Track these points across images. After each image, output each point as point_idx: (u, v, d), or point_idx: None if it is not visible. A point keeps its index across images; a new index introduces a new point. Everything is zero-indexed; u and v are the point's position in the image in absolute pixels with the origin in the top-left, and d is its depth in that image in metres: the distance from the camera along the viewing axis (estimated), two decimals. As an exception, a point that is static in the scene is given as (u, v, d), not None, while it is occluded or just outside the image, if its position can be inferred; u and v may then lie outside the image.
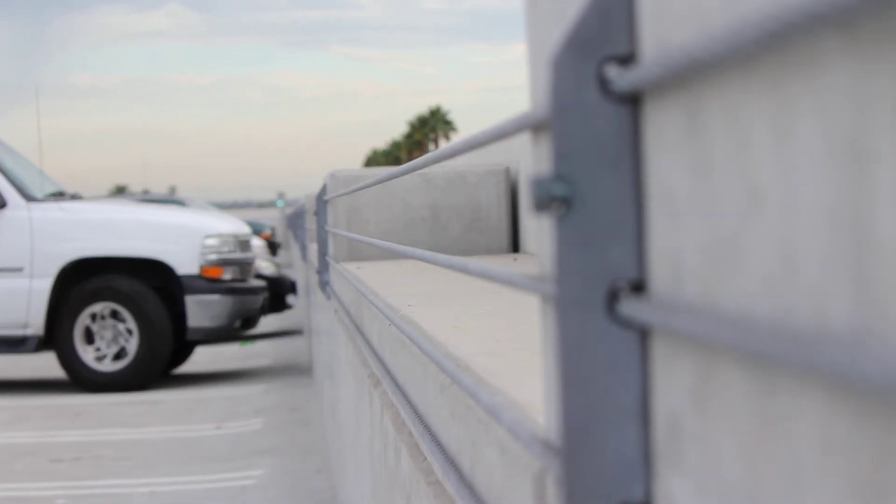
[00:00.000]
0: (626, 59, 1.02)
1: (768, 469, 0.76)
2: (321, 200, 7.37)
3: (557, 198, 1.03)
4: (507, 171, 7.32)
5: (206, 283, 10.42)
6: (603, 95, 1.03)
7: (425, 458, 2.41)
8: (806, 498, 0.71)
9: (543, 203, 1.03)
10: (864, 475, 0.64)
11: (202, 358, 12.24)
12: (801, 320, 0.71)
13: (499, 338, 2.77)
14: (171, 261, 10.37)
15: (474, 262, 1.64)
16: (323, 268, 7.21)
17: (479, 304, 3.80)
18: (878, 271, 0.63)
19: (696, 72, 0.86)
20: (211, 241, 10.50)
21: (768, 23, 0.70)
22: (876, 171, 0.63)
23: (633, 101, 1.02)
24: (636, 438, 1.01)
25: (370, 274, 5.73)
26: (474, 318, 3.38)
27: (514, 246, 7.31)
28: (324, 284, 7.13)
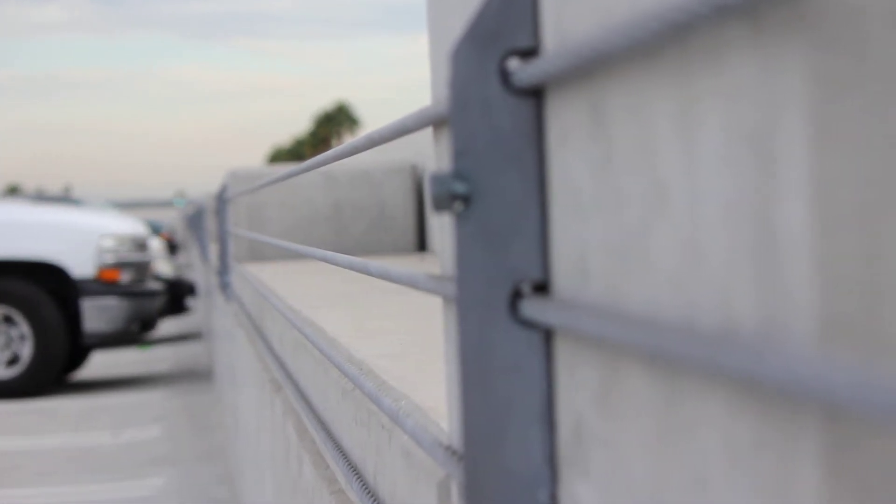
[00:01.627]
0: (529, 52, 1.01)
1: (674, 474, 0.76)
2: (221, 199, 7.31)
3: (457, 195, 1.02)
4: (414, 168, 7.31)
5: (103, 285, 10.29)
6: (505, 89, 1.02)
7: (328, 466, 2.40)
8: (712, 503, 0.71)
9: (443, 201, 1.02)
10: (769, 480, 0.64)
11: (99, 363, 12.10)
12: (706, 319, 0.71)
13: (405, 340, 2.76)
14: (65, 263, 10.23)
15: (376, 262, 1.63)
16: (223, 269, 7.16)
17: (386, 305, 3.79)
18: (781, 268, 0.62)
19: (598, 65, 0.86)
20: (107, 243, 10.38)
21: (671, 14, 0.69)
22: (779, 165, 0.62)
23: (535, 94, 1.02)
24: (541, 443, 1.01)
25: (272, 275, 5.70)
26: (380, 319, 3.37)
27: (421, 244, 7.31)
28: (224, 286, 7.07)
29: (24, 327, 10.24)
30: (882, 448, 0.60)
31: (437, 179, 1.03)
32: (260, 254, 7.18)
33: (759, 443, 0.65)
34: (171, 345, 14.19)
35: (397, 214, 7.23)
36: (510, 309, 1.01)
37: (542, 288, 1.01)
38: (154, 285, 11.17)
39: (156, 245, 13.40)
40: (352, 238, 7.21)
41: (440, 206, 1.03)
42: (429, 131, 1.36)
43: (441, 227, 1.27)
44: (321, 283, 5.12)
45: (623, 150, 0.84)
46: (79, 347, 10.73)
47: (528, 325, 1.01)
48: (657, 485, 0.79)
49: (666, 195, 0.77)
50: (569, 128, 0.95)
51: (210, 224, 11.52)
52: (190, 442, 8.12)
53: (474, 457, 1.02)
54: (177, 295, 14.65)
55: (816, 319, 0.59)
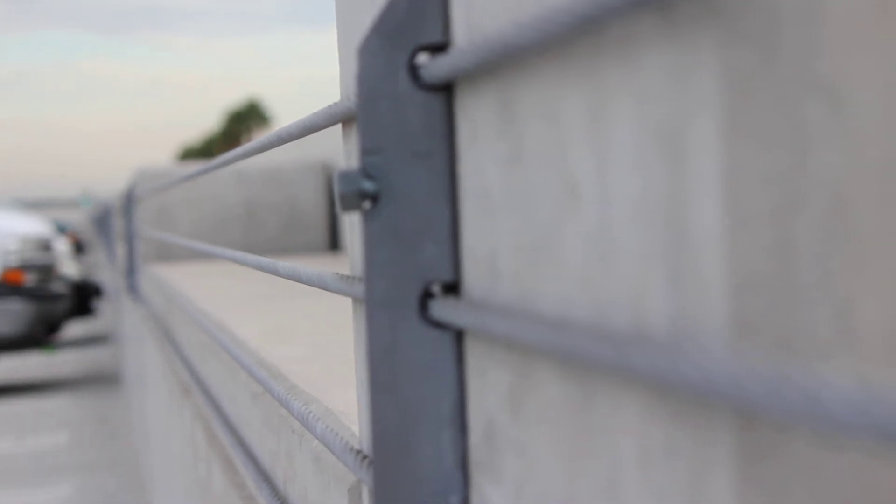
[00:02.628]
0: (439, 48, 1.00)
1: (586, 478, 0.76)
2: (129, 199, 7.24)
3: (365, 194, 1.01)
4: (325, 166, 7.29)
5: (6, 288, 10.16)
6: (414, 85, 1.01)
7: (238, 472, 2.38)
8: (624, 507, 0.71)
9: (350, 200, 1.01)
10: (681, 486, 0.64)
11: (2, 368, 11.94)
12: (618, 319, 0.71)
13: (318, 342, 2.75)
14: (-34, 265, 10.09)
15: (285, 263, 1.61)
16: (131, 270, 7.09)
17: (300, 307, 3.77)
18: (693, 267, 0.62)
19: (509, 60, 0.85)
20: (10, 244, 10.25)
21: (583, 8, 0.69)
22: (691, 162, 0.62)
23: (446, 90, 1.01)
24: (452, 447, 1.00)
25: (182, 276, 5.65)
26: (293, 321, 3.35)
27: (334, 244, 7.29)
28: (132, 288, 7.01)
29: (-76, 332, 10.09)
30: (795, 452, 0.60)
31: (345, 177, 1.02)
32: (169, 254, 7.12)
33: (672, 447, 0.65)
34: (77, 348, 14.04)
35: (310, 213, 7.21)
36: (420, 310, 1.01)
37: (452, 288, 1.01)
38: (59, 287, 11.04)
39: (61, 246, 13.26)
40: (264, 237, 7.17)
41: (348, 205, 1.02)
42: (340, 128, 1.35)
43: (351, 226, 1.26)
44: (233, 284, 5.08)
45: (533, 147, 0.83)
46: (-19, 352, 10.58)
47: (438, 326, 1.00)
48: (569, 490, 0.79)
49: (577, 193, 0.76)
50: (479, 124, 0.94)
51: (117, 224, 11.41)
52: (98, 449, 8.03)
53: (384, 461, 1.01)
54: (83, 297, 14.50)
55: (729, 319, 0.59)
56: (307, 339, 2.81)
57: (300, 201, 7.21)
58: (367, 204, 1.02)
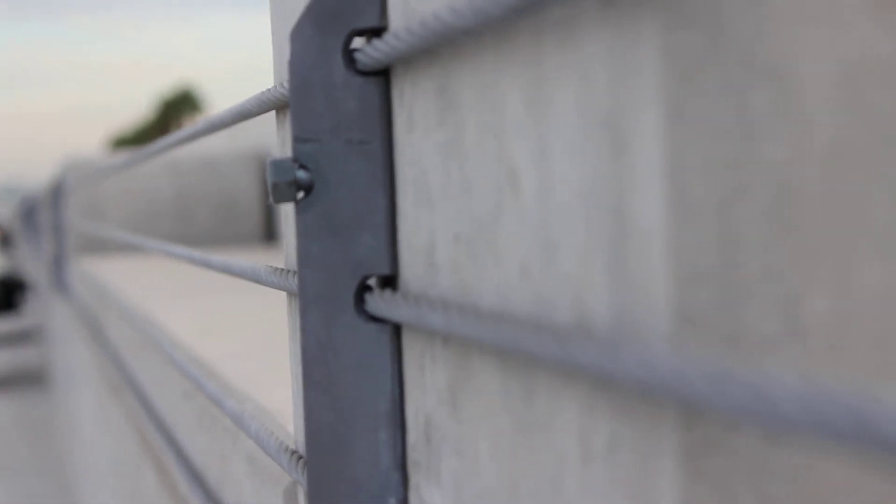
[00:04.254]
0: (375, 32, 1.00)
1: (528, 476, 0.76)
2: (57, 190, 7.18)
3: (298, 183, 1.01)
4: (262, 156, 7.26)
5: (-72, 283, 10.07)
6: (349, 71, 1.01)
7: (170, 473, 2.36)
8: (566, 507, 0.71)
9: (282, 190, 1.00)
10: (626, 481, 0.64)
11: (-76, 367, 11.82)
12: (559, 313, 0.71)
13: (253, 338, 2.74)
14: None
15: (218, 256, 1.60)
16: (59, 264, 7.04)
17: (236, 302, 3.75)
18: (635, 260, 0.62)
19: (447, 44, 0.85)
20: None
21: (520, -10, 0.69)
22: (634, 150, 0.62)
23: (382, 76, 1.01)
24: (389, 447, 1.00)
25: (112, 270, 5.61)
26: (228, 316, 3.34)
27: (270, 235, 7.27)
28: (60, 283, 6.95)
29: None
30: (740, 448, 0.60)
31: (277, 167, 1.02)
32: (99, 247, 7.07)
33: (615, 443, 0.65)
34: (2, 346, 13.92)
35: (245, 204, 7.18)
36: (356, 304, 1.00)
37: (390, 281, 1.01)
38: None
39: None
40: (198, 229, 7.14)
41: (280, 195, 1.01)
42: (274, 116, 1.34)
43: (285, 218, 1.25)
44: (166, 278, 5.05)
45: (473, 134, 0.83)
46: None
47: (375, 320, 1.00)
48: (511, 489, 0.79)
49: (517, 183, 0.76)
50: (417, 111, 0.94)
51: (45, 216, 11.32)
52: (24, 452, 7.96)
53: (319, 462, 1.01)
54: (8, 292, 14.38)
55: (672, 313, 0.60)
56: (242, 335, 2.79)
57: (235, 192, 7.18)
58: (300, 194, 1.01)
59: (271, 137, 7.07)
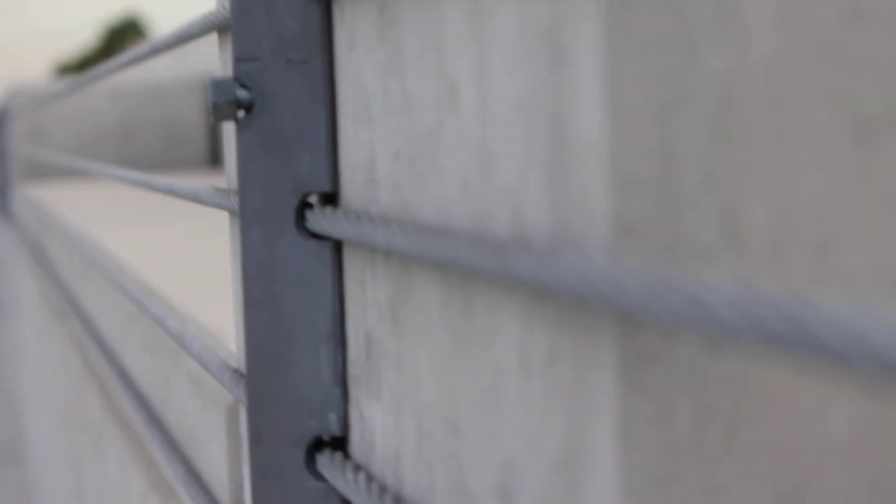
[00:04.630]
0: (316, -51, 0.98)
1: (468, 389, 0.75)
2: (1, 117, 7.10)
3: (239, 102, 0.99)
4: (206, 80, 7.20)
5: None
6: (289, -12, 0.99)
7: (114, 396, 2.35)
8: (506, 419, 0.70)
9: (223, 109, 0.99)
10: (565, 392, 0.64)
11: None
12: (499, 227, 0.70)
13: (199, 261, 2.72)
14: None
15: (160, 178, 1.59)
16: (3, 191, 6.97)
17: (183, 226, 3.73)
18: (575, 172, 0.62)
19: (386, -41, 0.84)
20: None
21: None
22: (573, 63, 0.61)
23: (323, -6, 0.99)
24: (331, 362, 0.99)
25: (57, 196, 5.57)
26: (175, 239, 3.32)
27: (216, 159, 7.23)
28: (4, 209, 6.89)
29: None
30: (679, 357, 0.59)
31: (217, 86, 1.00)
32: (43, 173, 7.01)
33: (554, 355, 0.64)
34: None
35: (190, 128, 7.13)
36: (297, 221, 0.99)
37: (331, 199, 1.00)
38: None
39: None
40: (142, 153, 7.09)
41: (221, 114, 1.00)
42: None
43: (227, 138, 1.24)
44: (111, 203, 5.01)
45: (413, 51, 0.82)
46: None
47: (316, 237, 0.99)
48: (450, 403, 0.78)
49: (456, 98, 0.75)
50: (357, 29, 0.93)
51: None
52: (-30, 376, 7.92)
53: (260, 380, 1.00)
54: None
55: (611, 223, 0.59)
56: (188, 259, 2.78)
57: (180, 116, 7.12)
58: (240, 113, 1.00)
59: (217, 62, 7.01)
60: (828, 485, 0.62)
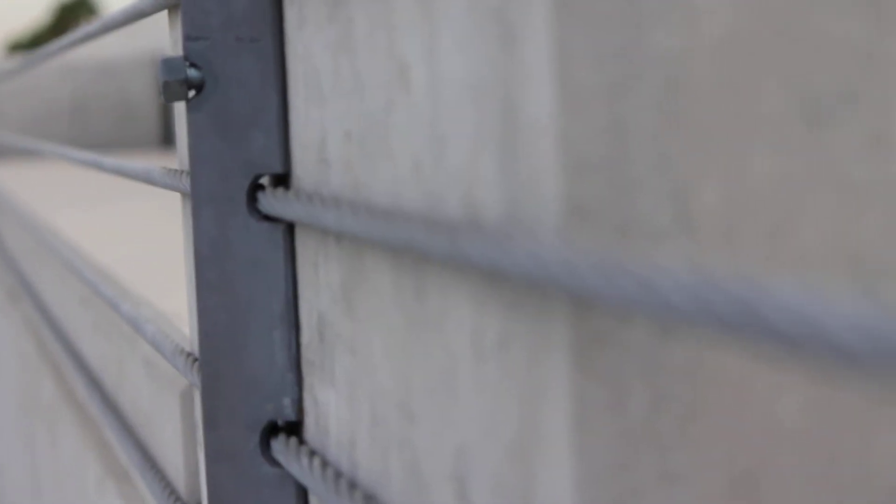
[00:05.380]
0: (265, -75, 0.98)
1: (421, 373, 0.75)
2: (-50, 95, 7.04)
3: (189, 82, 0.99)
4: (158, 58, 7.16)
5: None
6: (239, -34, 0.98)
7: (68, 380, 2.34)
8: (460, 404, 0.70)
9: (173, 89, 0.98)
10: (518, 376, 0.64)
11: None
12: (451, 208, 0.70)
13: (155, 243, 2.71)
14: None
15: (110, 158, 1.57)
16: (-45, 171, 6.92)
17: (136, 207, 3.71)
18: (527, 153, 0.61)
19: (336, -64, 0.83)
20: None
21: None
22: (522, 43, 0.61)
23: (273, -28, 0.98)
24: (284, 346, 0.99)
25: (7, 176, 5.53)
26: (130, 221, 3.30)
27: (168, 138, 7.21)
28: (-44, 190, 6.84)
29: None
30: (632, 341, 0.59)
31: (168, 65, 0.99)
32: (-5, 154, 6.96)
33: (506, 339, 0.64)
34: None
35: (142, 107, 7.09)
36: (249, 203, 0.98)
37: (283, 180, 0.99)
38: None
39: None
40: (94, 132, 7.05)
41: (171, 94, 0.99)
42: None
43: (178, 118, 1.23)
44: (64, 183, 4.98)
45: (364, 29, 0.81)
46: None
47: (268, 219, 0.98)
48: (404, 386, 0.78)
49: (407, 78, 0.75)
50: (308, 7, 0.92)
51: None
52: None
53: (213, 364, 0.99)
54: None
55: (562, 205, 0.59)
56: (142, 241, 2.76)
57: (131, 95, 7.08)
58: (191, 93, 0.99)
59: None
60: (781, 470, 0.62)
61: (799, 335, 0.41)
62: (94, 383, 1.94)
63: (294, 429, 1.00)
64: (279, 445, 0.98)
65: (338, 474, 0.89)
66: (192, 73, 0.99)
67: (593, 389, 0.59)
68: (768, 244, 0.61)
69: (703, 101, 0.60)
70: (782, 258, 0.61)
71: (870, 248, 0.62)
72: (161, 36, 7.08)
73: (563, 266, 0.54)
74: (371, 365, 0.83)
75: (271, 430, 1.00)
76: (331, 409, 0.92)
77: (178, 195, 1.79)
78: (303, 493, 1.00)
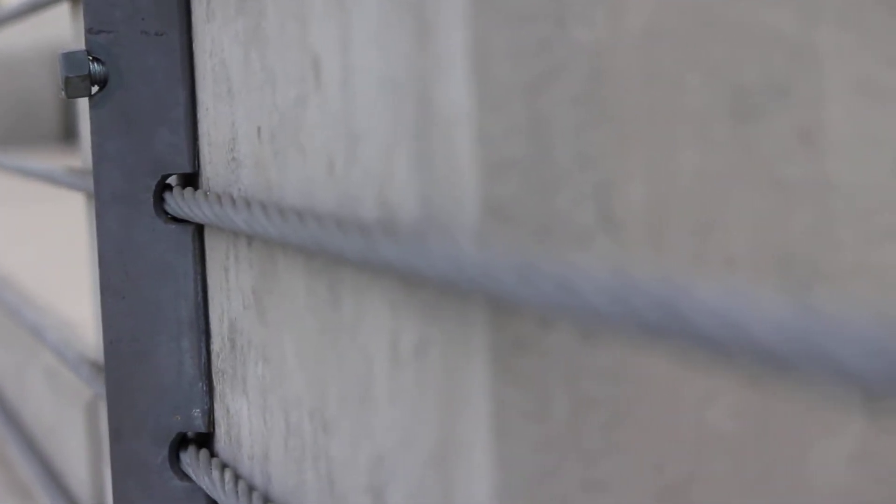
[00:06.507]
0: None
1: (336, 381, 0.75)
2: None
3: (92, 77, 0.98)
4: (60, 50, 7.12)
5: None
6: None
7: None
8: (377, 412, 0.70)
9: (75, 84, 0.97)
10: (436, 381, 0.64)
11: None
12: (365, 210, 0.70)
13: (61, 248, 2.69)
14: None
15: (8, 156, 1.56)
16: None
17: (45, 210, 3.67)
18: (443, 151, 0.61)
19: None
20: None
21: None
22: (438, 37, 0.61)
23: (179, -39, 0.98)
24: (194, 354, 0.98)
25: None
26: (34, 225, 3.27)
27: (70, 135, 7.15)
28: None
29: None
30: (553, 346, 0.60)
31: (69, 59, 0.99)
32: None
33: (425, 344, 0.64)
34: None
35: (43, 102, 7.03)
36: (156, 204, 0.98)
37: (192, 180, 0.99)
38: None
39: None
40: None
41: (73, 90, 0.98)
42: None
43: (82, 114, 1.22)
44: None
45: (274, 22, 0.81)
46: None
47: (176, 221, 0.98)
48: (319, 395, 0.78)
49: (319, 72, 0.75)
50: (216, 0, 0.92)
51: None
52: None
53: (119, 373, 0.99)
54: None
55: (480, 205, 0.59)
56: (49, 244, 2.74)
57: (32, 90, 7.02)
58: (94, 89, 0.99)
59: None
60: (712, 478, 0.62)
61: (724, 338, 0.41)
62: (-5, 395, 1.92)
63: (205, 441, 1.00)
64: (189, 458, 0.98)
65: (250, 488, 0.88)
66: (96, 67, 0.98)
67: (514, 395, 0.60)
68: (695, 243, 0.61)
69: (627, 97, 0.60)
70: (710, 258, 0.61)
71: (799, 247, 0.63)
72: (63, 27, 7.03)
73: (481, 269, 0.54)
74: (284, 373, 0.83)
75: (181, 442, 0.99)
76: (243, 419, 0.92)
77: (82, 196, 1.78)
78: (214, 508, 1.00)
